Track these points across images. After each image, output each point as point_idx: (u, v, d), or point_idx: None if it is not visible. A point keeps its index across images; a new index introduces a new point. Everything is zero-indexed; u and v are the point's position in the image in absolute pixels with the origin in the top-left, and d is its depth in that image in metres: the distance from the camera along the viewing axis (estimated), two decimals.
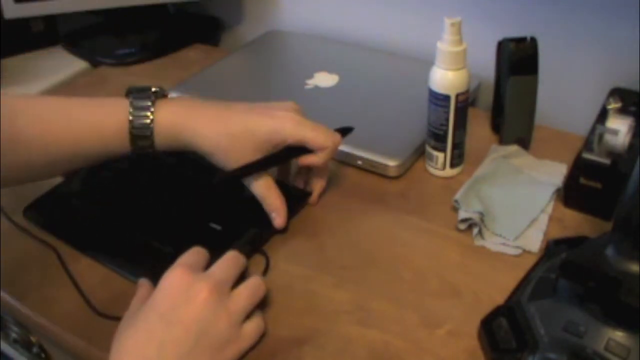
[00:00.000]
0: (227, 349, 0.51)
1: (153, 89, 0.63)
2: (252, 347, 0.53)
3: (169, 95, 0.64)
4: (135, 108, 0.61)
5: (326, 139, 0.64)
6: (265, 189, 0.64)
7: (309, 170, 0.69)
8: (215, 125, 0.62)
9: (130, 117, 0.61)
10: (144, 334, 0.49)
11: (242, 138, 0.61)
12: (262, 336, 0.55)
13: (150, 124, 0.61)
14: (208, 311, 0.50)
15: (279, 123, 0.62)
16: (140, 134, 0.61)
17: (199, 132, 0.61)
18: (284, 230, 0.66)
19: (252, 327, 0.53)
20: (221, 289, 0.52)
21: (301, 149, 0.64)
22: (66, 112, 0.62)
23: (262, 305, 0.56)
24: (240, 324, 0.52)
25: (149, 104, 0.61)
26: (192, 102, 0.64)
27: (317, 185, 0.69)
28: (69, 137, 0.61)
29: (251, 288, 0.54)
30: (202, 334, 0.49)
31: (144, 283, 0.57)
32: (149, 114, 0.61)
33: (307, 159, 0.64)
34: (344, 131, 0.68)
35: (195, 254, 0.56)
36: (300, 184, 0.70)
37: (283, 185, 0.70)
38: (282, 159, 0.65)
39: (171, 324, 0.49)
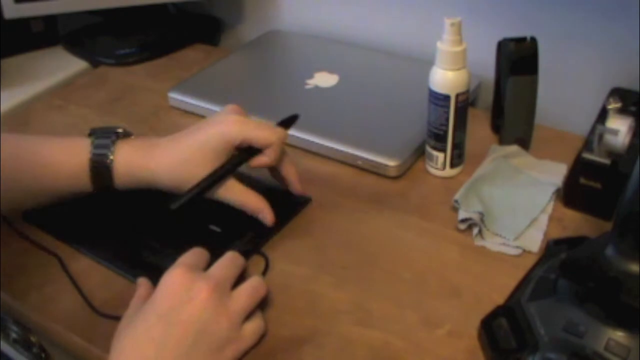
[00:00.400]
0: (227, 349, 0.51)
1: (118, 130, 0.65)
2: (253, 347, 0.53)
3: (170, 95, 0.64)
4: (96, 147, 0.63)
5: (270, 135, 0.63)
6: (236, 195, 0.64)
7: (273, 169, 0.68)
8: (169, 158, 0.63)
9: (90, 156, 0.63)
10: (143, 334, 0.49)
11: (194, 158, 0.62)
12: (262, 336, 0.55)
13: (109, 163, 0.63)
14: (208, 311, 0.50)
15: (223, 127, 0.63)
16: (99, 173, 0.63)
17: (155, 170, 0.63)
18: (281, 230, 0.66)
19: (253, 327, 0.53)
20: (221, 289, 0.52)
21: (252, 150, 0.64)
22: (28, 150, 0.64)
23: (262, 305, 0.56)
24: (241, 324, 0.52)
25: (109, 143, 0.63)
26: (149, 141, 0.65)
27: (290, 175, 0.68)
28: (30, 175, 0.63)
29: (252, 288, 0.54)
30: (202, 334, 0.49)
31: (143, 282, 0.57)
32: (108, 153, 0.63)
33: (256, 161, 0.64)
34: (288, 122, 0.68)
35: (195, 255, 0.56)
36: (282, 185, 0.69)
37: (281, 190, 0.70)
38: (234, 164, 0.64)
39: (170, 324, 0.49)
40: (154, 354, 0.48)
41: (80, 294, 0.60)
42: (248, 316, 0.53)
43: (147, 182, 0.64)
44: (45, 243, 0.66)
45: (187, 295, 0.50)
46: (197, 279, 0.52)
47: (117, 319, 0.55)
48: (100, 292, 0.61)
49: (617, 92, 0.72)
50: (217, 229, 0.65)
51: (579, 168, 0.64)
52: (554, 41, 0.79)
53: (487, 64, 0.77)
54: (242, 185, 0.64)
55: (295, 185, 0.68)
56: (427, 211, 0.68)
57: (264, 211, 0.64)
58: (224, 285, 0.53)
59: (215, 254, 0.63)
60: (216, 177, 0.62)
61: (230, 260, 0.56)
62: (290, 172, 0.68)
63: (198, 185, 0.62)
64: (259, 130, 0.63)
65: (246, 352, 0.53)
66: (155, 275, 0.61)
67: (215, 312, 0.51)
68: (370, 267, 0.62)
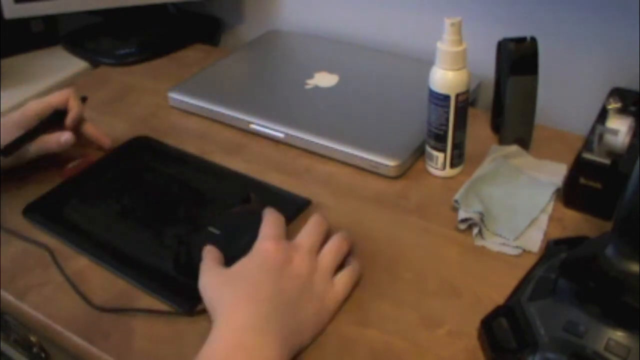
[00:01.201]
0: (327, 299, 0.56)
1: None
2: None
3: (170, 95, 0.65)
4: None
5: (61, 92, 0.75)
6: (51, 142, 0.73)
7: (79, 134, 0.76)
8: None
9: None
10: (253, 289, 0.53)
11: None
12: (356, 283, 0.59)
13: None
14: (304, 269, 0.56)
15: (22, 108, 0.73)
16: None
17: None
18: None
19: (343, 279, 0.58)
20: (310, 255, 0.57)
21: (58, 112, 0.74)
22: None
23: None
24: (332, 278, 0.57)
25: None
26: None
27: (94, 134, 0.78)
28: None
29: (335, 245, 0.59)
30: (304, 288, 0.55)
31: (211, 249, 0.60)
32: None
33: (70, 118, 0.75)
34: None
35: (275, 225, 0.59)
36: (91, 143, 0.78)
37: (281, 193, 0.70)
38: (43, 122, 0.73)
39: (279, 280, 0.54)
40: (268, 299, 0.52)
41: (73, 287, 0.60)
42: (340, 269, 0.59)
43: None
44: (46, 242, 0.66)
45: (286, 255, 0.56)
46: (289, 247, 0.57)
47: (116, 312, 0.55)
48: (100, 292, 0.61)
49: (617, 92, 0.72)
50: (216, 231, 0.65)
51: (579, 168, 0.64)
52: (554, 41, 0.79)
53: (487, 64, 0.77)
54: (44, 136, 0.73)
55: (103, 139, 0.78)
56: (427, 211, 0.68)
57: (64, 135, 0.72)
58: (311, 249, 0.58)
59: None
60: (31, 133, 0.72)
61: (314, 227, 0.60)
62: (92, 131, 0.78)
63: (17, 139, 0.71)
64: (51, 95, 0.75)
65: (344, 301, 0.57)
66: (154, 275, 0.61)
67: (309, 270, 0.56)
68: (370, 267, 0.62)
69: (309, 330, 0.54)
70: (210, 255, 0.59)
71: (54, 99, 0.75)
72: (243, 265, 0.56)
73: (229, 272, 0.56)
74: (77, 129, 0.76)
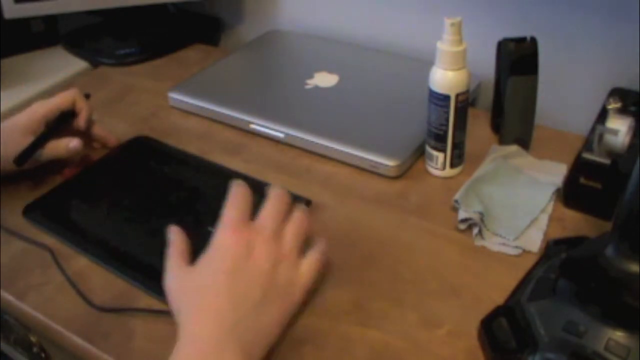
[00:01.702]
0: (293, 289, 0.54)
1: None
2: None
3: (170, 95, 0.65)
4: None
5: (67, 93, 0.75)
6: (60, 148, 0.72)
7: (86, 134, 0.77)
8: None
9: None
10: (213, 289, 0.52)
11: (8, 137, 0.70)
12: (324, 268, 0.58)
13: None
14: (267, 261, 0.53)
15: (27, 110, 0.73)
16: None
17: None
18: None
19: (308, 263, 0.56)
20: (274, 236, 0.55)
21: (65, 113, 0.74)
22: None
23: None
24: (297, 263, 0.55)
25: None
26: None
27: (102, 134, 0.79)
28: None
29: (297, 224, 0.57)
30: (268, 284, 0.53)
31: (175, 239, 0.58)
32: None
33: (80, 119, 0.75)
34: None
35: (237, 206, 0.57)
36: (96, 145, 0.80)
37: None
38: (52, 126, 0.73)
39: (239, 280, 0.52)
40: (229, 307, 0.50)
41: (74, 287, 0.60)
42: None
43: None
44: (46, 242, 0.66)
45: (246, 251, 0.53)
46: (250, 235, 0.54)
47: (116, 311, 0.55)
48: (100, 292, 0.61)
49: (617, 92, 0.72)
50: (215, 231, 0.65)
51: (579, 168, 0.64)
52: (554, 41, 0.79)
53: (487, 64, 0.77)
54: (59, 140, 0.72)
55: (110, 137, 0.79)
56: (427, 211, 0.68)
57: (72, 142, 0.72)
58: (275, 231, 0.55)
59: None
60: (43, 137, 0.71)
61: (275, 203, 0.58)
62: (100, 131, 0.78)
63: (32, 144, 0.70)
64: (57, 97, 0.74)
65: (311, 287, 0.56)
66: (153, 275, 0.61)
67: (273, 260, 0.54)
68: (370, 267, 0.62)
69: (275, 329, 0.52)
70: (174, 250, 0.57)
71: (60, 101, 0.74)
72: (204, 265, 0.54)
73: (191, 275, 0.54)
74: (85, 130, 0.77)
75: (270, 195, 0.59)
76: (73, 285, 0.61)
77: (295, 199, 0.69)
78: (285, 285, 0.54)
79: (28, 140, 0.71)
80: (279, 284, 0.53)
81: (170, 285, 0.55)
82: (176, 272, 0.55)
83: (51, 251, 0.65)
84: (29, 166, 0.72)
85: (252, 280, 0.52)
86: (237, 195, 0.58)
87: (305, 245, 0.58)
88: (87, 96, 0.78)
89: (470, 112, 0.71)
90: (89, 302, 0.59)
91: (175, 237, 0.58)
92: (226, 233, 0.55)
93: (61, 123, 0.74)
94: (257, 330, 0.51)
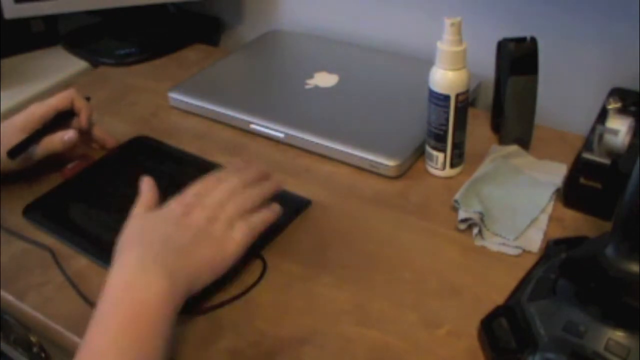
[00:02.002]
0: (226, 243, 0.57)
1: None
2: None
3: (170, 95, 0.65)
4: None
5: (65, 93, 0.75)
6: (55, 142, 0.73)
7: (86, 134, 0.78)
8: None
9: None
10: (150, 231, 0.57)
11: (5, 135, 0.71)
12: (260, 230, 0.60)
13: None
14: (201, 220, 0.58)
15: (26, 110, 0.74)
16: None
17: None
18: (280, 233, 0.66)
19: (241, 227, 0.59)
20: (213, 209, 0.59)
21: (64, 113, 0.75)
22: None
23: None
24: (234, 224, 0.59)
25: None
26: None
27: (101, 135, 0.79)
28: None
29: (237, 198, 0.60)
30: (199, 234, 0.57)
31: (148, 181, 0.64)
32: None
33: (82, 119, 0.76)
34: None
35: (199, 185, 0.62)
36: (95, 146, 0.80)
37: (281, 193, 0.70)
38: (48, 125, 0.73)
39: (172, 226, 0.57)
40: (160, 242, 0.55)
41: (74, 287, 0.60)
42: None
43: None
44: (46, 242, 0.66)
45: (186, 209, 0.59)
46: (192, 203, 0.59)
47: None
48: (100, 292, 0.60)
49: (617, 92, 0.72)
50: None
51: (579, 168, 0.64)
52: (554, 41, 0.79)
53: (487, 64, 0.77)
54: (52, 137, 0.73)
55: (108, 138, 0.79)
56: (427, 211, 0.68)
57: (67, 134, 0.73)
58: (217, 206, 0.59)
59: None
60: (38, 133, 0.72)
61: (226, 184, 0.62)
62: (100, 132, 0.79)
63: (26, 138, 0.71)
64: (54, 97, 0.75)
65: (242, 253, 0.58)
66: None
67: (208, 220, 0.58)
68: (370, 267, 0.62)
69: (206, 269, 0.56)
70: (141, 199, 0.62)
71: (57, 102, 0.75)
72: (151, 216, 0.59)
73: (139, 221, 0.59)
74: (86, 130, 0.77)
75: (225, 179, 0.62)
76: (73, 285, 0.61)
77: (295, 199, 0.70)
78: (218, 238, 0.57)
79: (23, 138, 0.71)
80: (212, 236, 0.57)
81: (125, 228, 0.58)
82: (132, 218, 0.59)
83: (51, 251, 0.65)
84: (26, 164, 0.72)
85: (184, 228, 0.57)
86: (202, 181, 0.62)
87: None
88: (87, 99, 0.78)
89: (470, 112, 0.71)
90: (89, 302, 0.59)
91: (145, 187, 0.63)
92: (177, 198, 0.60)
93: (58, 121, 0.74)
94: (187, 263, 0.54)
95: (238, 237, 0.58)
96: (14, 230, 0.68)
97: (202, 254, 0.56)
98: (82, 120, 0.76)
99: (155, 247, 0.54)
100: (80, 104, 0.76)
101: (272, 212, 0.62)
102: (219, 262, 0.57)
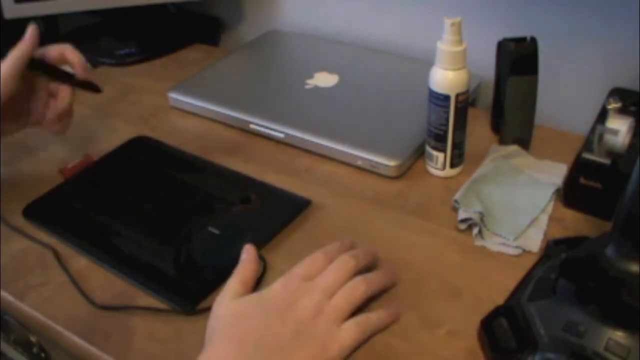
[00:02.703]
0: (331, 344, 0.52)
1: None
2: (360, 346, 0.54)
3: (170, 95, 0.64)
4: None
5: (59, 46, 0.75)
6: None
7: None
8: None
9: None
10: (247, 324, 0.52)
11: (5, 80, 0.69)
12: (372, 335, 0.55)
13: None
14: (307, 311, 0.53)
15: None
16: None
17: None
18: (280, 232, 0.66)
19: (351, 326, 0.53)
20: (322, 295, 0.54)
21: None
22: None
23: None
24: (340, 323, 0.53)
25: None
26: None
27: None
28: None
29: (348, 291, 0.55)
30: (302, 331, 0.52)
31: (250, 251, 0.60)
32: None
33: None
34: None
35: (306, 265, 0.57)
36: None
37: (281, 193, 0.70)
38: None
39: (273, 318, 0.52)
40: (254, 342, 0.51)
41: (76, 286, 0.60)
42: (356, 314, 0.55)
43: None
44: (45, 241, 0.66)
45: (292, 298, 0.53)
46: (301, 287, 0.55)
47: (116, 309, 0.56)
48: (100, 292, 0.61)
49: (617, 92, 0.72)
50: (216, 232, 0.65)
51: (579, 168, 0.64)
52: (554, 41, 0.79)
53: (487, 64, 0.77)
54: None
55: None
56: (427, 211, 0.68)
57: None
58: (326, 292, 0.54)
59: (214, 256, 0.63)
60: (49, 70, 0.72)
61: (336, 268, 0.57)
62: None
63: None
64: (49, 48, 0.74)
65: (353, 350, 0.53)
66: (153, 275, 0.61)
67: (314, 312, 0.53)
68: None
69: None
70: (238, 275, 0.57)
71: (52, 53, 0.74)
72: (250, 299, 0.55)
73: (235, 304, 0.54)
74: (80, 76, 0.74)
75: (336, 261, 0.58)
76: (75, 284, 0.61)
77: (295, 199, 0.70)
78: (322, 337, 0.52)
79: (15, 83, 0.69)
80: (316, 333, 0.52)
81: (216, 306, 0.55)
82: (228, 297, 0.55)
83: (54, 250, 0.65)
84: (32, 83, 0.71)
85: (286, 322, 0.52)
86: (311, 259, 0.58)
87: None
88: (97, 90, 0.76)
89: (470, 112, 0.71)
90: (91, 301, 0.59)
91: (247, 259, 0.59)
92: (279, 282, 0.55)
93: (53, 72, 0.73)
94: None
95: (345, 339, 0.52)
96: (19, 228, 0.68)
97: (301, 357, 0.50)
98: (76, 68, 0.73)
99: (248, 349, 0.50)
100: (73, 56, 0.74)
101: (389, 314, 0.56)
102: None
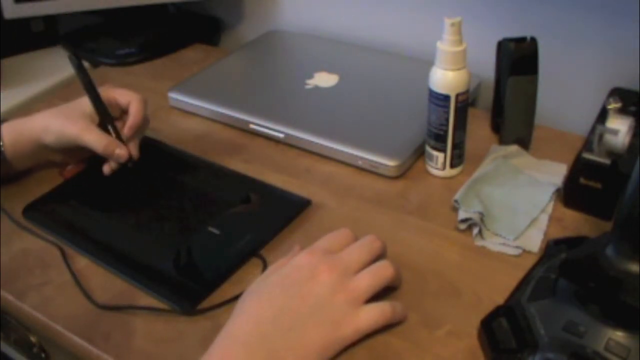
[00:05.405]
0: (344, 324, 0.52)
1: None
2: (379, 331, 0.54)
3: (169, 95, 0.65)
4: None
5: (129, 92, 0.73)
6: (93, 136, 0.69)
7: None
8: (49, 114, 0.71)
9: None
10: (266, 301, 0.52)
11: (70, 113, 0.71)
12: (389, 323, 0.54)
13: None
14: (326, 288, 0.53)
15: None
16: None
17: (40, 124, 0.70)
18: (280, 232, 0.66)
19: (373, 309, 0.53)
20: (344, 271, 0.54)
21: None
22: None
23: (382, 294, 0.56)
24: (360, 304, 0.53)
25: None
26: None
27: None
28: None
29: (374, 271, 0.55)
30: (318, 308, 0.52)
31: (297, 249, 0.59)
32: None
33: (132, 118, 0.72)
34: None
35: (331, 240, 0.58)
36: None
37: (281, 193, 0.70)
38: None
39: (291, 297, 0.52)
40: (271, 318, 0.51)
41: (78, 285, 0.60)
42: (376, 299, 0.54)
43: (33, 137, 0.70)
44: (45, 241, 0.66)
45: (311, 273, 0.53)
46: (323, 261, 0.54)
47: (117, 309, 0.56)
48: (100, 292, 0.61)
49: (617, 92, 0.72)
50: (216, 231, 0.65)
51: (579, 168, 0.64)
52: (554, 41, 0.79)
53: (487, 64, 0.77)
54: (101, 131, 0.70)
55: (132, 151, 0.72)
56: (427, 211, 0.68)
57: (114, 151, 0.69)
58: (348, 268, 0.54)
59: (214, 256, 0.63)
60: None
61: (363, 245, 0.57)
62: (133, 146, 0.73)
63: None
64: (117, 91, 0.73)
65: (368, 334, 0.53)
66: (153, 275, 0.61)
67: (333, 289, 0.52)
68: None
69: (311, 352, 0.50)
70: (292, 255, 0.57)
71: (119, 96, 0.73)
72: (270, 275, 0.55)
73: (261, 281, 0.55)
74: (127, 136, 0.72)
75: (364, 237, 0.58)
76: (77, 282, 0.61)
77: (295, 199, 0.70)
78: (338, 317, 0.52)
79: (85, 123, 0.69)
80: (332, 313, 0.52)
81: (262, 275, 0.56)
82: (271, 270, 0.56)
83: (61, 249, 0.65)
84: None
85: (303, 298, 0.52)
86: (336, 234, 0.58)
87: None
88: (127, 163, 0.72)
89: (470, 112, 0.71)
90: (92, 301, 0.59)
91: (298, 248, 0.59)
92: (303, 255, 0.56)
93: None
94: (291, 347, 0.50)
95: (362, 321, 0.52)
96: (17, 227, 0.68)
97: (315, 335, 0.51)
98: (129, 122, 0.72)
99: (266, 326, 0.50)
100: (137, 107, 0.73)
101: (405, 311, 0.56)
102: (331, 343, 0.51)
